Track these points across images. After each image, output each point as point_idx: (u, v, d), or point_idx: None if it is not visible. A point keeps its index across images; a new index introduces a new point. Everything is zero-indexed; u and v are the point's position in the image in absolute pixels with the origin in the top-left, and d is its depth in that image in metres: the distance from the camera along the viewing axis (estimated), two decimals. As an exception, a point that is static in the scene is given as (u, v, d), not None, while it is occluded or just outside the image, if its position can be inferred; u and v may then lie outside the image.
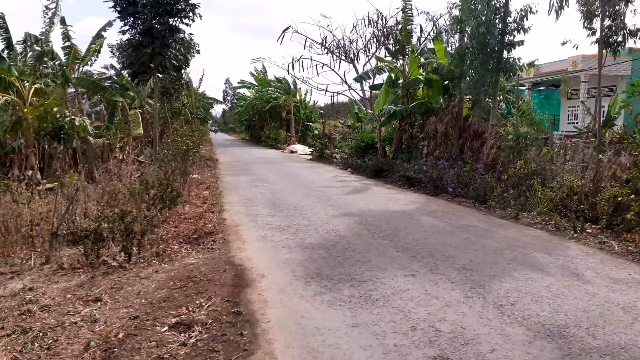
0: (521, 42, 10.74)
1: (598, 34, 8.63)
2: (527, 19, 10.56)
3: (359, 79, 15.87)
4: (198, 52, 16.41)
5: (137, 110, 14.34)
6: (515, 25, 10.66)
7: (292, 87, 31.76)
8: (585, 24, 8.72)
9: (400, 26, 14.73)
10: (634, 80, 7.93)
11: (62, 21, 14.44)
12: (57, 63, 13.87)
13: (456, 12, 11.95)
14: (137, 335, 3.35)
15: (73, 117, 9.82)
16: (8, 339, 3.29)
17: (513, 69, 11.00)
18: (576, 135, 13.56)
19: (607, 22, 8.57)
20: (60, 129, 9.60)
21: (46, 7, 11.21)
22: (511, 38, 10.77)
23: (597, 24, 8.62)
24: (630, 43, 8.75)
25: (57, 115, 9.41)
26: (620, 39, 8.59)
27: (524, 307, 3.82)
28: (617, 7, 8.37)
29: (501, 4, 10.73)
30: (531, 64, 12.14)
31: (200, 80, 53.60)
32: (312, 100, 34.40)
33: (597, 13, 8.48)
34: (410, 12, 14.59)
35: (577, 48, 9.19)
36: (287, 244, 5.87)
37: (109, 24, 16.08)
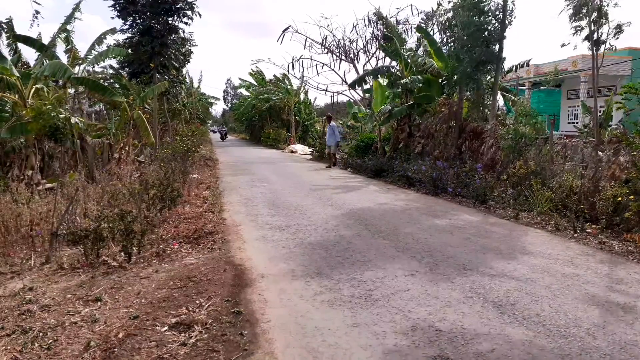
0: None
1: (586, 32, 8.64)
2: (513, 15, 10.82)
3: (353, 84, 15.99)
4: (194, 45, 16.41)
5: (141, 113, 14.29)
6: (501, 21, 10.87)
7: (293, 87, 31.75)
8: (573, 20, 8.73)
9: (395, 27, 14.80)
10: (629, 84, 7.94)
11: (65, 30, 14.42)
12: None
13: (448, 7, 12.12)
14: (137, 335, 3.35)
15: (69, 116, 9.82)
16: (8, 338, 3.29)
17: (500, 64, 11.17)
18: (577, 134, 13.56)
19: (591, 18, 8.55)
20: (57, 129, 9.61)
21: (36, 11, 11.20)
22: (499, 35, 10.96)
23: (584, 21, 8.63)
24: (614, 40, 8.75)
25: (53, 115, 9.41)
26: (604, 36, 8.60)
27: (523, 307, 3.83)
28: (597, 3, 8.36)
29: (492, 6, 10.89)
30: (523, 65, 12.58)
31: (200, 80, 54.16)
32: (312, 100, 34.41)
33: (583, 11, 8.47)
34: (393, 17, 14.75)
35: (575, 48, 9.22)
36: (287, 244, 5.88)
37: (113, 31, 16.00)
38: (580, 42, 8.75)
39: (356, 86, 16.27)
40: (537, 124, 9.39)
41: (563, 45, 9.33)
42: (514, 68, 13.78)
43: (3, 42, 12.19)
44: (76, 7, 13.59)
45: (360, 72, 16.84)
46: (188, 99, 30.61)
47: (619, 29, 8.45)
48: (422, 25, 15.12)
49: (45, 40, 12.96)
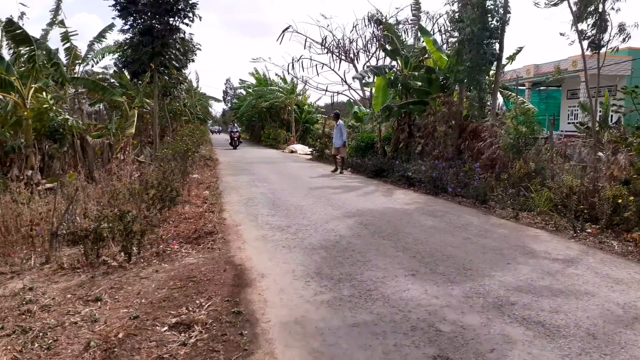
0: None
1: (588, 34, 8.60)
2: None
3: (352, 79, 15.98)
4: (199, 49, 16.45)
5: (135, 110, 14.32)
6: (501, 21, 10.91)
7: (296, 87, 31.79)
8: (573, 23, 8.70)
9: (391, 26, 14.84)
10: (629, 87, 7.96)
11: (62, 23, 14.43)
12: (53, 62, 13.86)
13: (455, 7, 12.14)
14: (137, 335, 3.35)
15: (67, 116, 9.84)
16: (8, 338, 3.28)
17: (498, 59, 11.16)
18: (577, 134, 13.56)
19: (590, 21, 8.52)
20: (55, 130, 9.63)
21: (22, 12, 11.14)
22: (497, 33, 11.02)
23: (583, 24, 8.61)
24: (616, 42, 8.70)
25: (51, 115, 9.42)
26: (606, 38, 8.55)
27: (523, 307, 3.83)
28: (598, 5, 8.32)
29: (496, 5, 10.89)
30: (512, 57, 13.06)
31: (197, 80, 53.04)
32: (312, 100, 34.48)
33: (584, 13, 8.44)
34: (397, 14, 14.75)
35: (572, 44, 9.13)
36: (287, 244, 5.88)
37: (111, 26, 16.08)
38: (582, 42, 8.66)
39: (356, 80, 16.21)
40: (533, 124, 9.38)
41: (571, 42, 9.22)
42: (509, 61, 13.72)
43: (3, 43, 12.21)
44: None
45: (360, 71, 16.83)
46: (189, 100, 30.62)
47: (622, 31, 8.42)
48: (414, 19, 15.14)
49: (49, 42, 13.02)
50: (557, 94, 28.19)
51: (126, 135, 13.10)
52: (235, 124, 33.13)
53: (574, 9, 8.49)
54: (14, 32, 10.02)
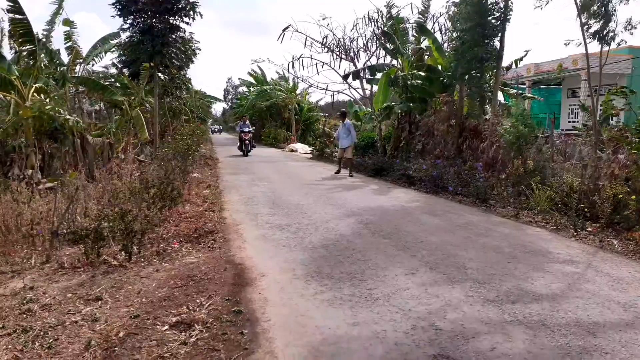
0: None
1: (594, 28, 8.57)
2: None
3: (347, 76, 15.91)
4: (199, 49, 16.46)
5: (139, 110, 14.32)
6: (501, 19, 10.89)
7: (295, 85, 31.79)
8: (579, 18, 8.67)
9: (394, 25, 14.83)
10: (616, 88, 8.01)
11: (66, 22, 14.42)
12: (55, 62, 13.88)
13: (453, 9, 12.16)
14: (138, 334, 3.35)
15: (67, 116, 9.85)
16: (9, 338, 3.29)
17: (496, 57, 11.11)
18: (577, 133, 13.56)
19: (596, 9, 8.48)
20: (55, 129, 9.64)
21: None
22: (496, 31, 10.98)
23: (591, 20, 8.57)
24: (623, 36, 8.68)
25: (51, 114, 9.43)
26: (613, 33, 8.52)
27: (524, 306, 3.83)
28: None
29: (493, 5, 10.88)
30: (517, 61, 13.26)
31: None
32: (314, 100, 34.45)
33: (593, 8, 8.40)
34: (399, 12, 14.75)
35: (578, 46, 9.14)
36: (288, 243, 5.88)
37: (118, 34, 16.08)
38: (585, 38, 8.62)
39: (350, 79, 16.14)
40: (530, 126, 9.40)
41: (567, 43, 9.18)
42: (513, 63, 13.79)
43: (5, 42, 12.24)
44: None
45: (357, 69, 16.82)
46: (189, 99, 30.64)
47: (629, 25, 8.39)
48: (420, 20, 15.14)
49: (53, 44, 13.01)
50: (558, 93, 28.14)
51: (142, 139, 13.16)
52: (247, 122, 23.81)
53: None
54: (15, 13, 9.96)
